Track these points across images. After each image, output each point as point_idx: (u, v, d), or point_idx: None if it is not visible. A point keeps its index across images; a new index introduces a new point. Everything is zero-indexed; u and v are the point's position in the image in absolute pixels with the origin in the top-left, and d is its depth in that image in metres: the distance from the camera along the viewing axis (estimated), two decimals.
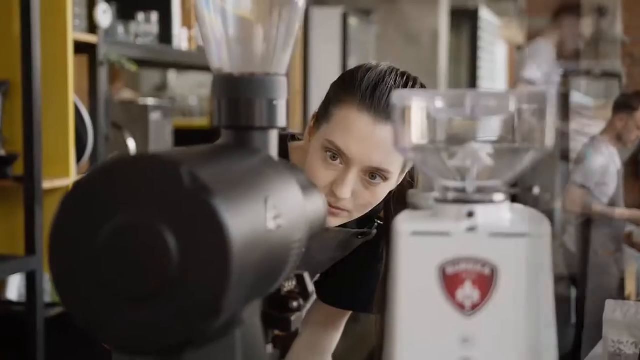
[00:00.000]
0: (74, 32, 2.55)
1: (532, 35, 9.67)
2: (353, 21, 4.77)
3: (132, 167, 0.62)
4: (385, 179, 1.23)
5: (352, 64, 6.08)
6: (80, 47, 2.62)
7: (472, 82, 7.50)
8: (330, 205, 1.23)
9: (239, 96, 0.80)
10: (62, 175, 2.50)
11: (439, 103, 0.70)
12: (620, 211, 4.39)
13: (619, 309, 1.83)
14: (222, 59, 0.81)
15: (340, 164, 1.23)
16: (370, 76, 1.24)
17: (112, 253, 0.61)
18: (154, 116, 3.03)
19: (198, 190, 0.60)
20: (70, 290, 0.62)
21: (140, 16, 3.03)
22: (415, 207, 0.78)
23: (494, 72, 8.36)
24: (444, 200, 0.70)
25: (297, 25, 0.82)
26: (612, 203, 4.37)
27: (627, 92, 4.57)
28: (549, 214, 4.30)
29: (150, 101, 3.16)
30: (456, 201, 0.69)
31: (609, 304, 1.88)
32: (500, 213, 0.69)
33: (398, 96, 0.71)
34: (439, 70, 5.62)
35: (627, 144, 4.41)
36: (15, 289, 2.62)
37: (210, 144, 0.79)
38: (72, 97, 2.50)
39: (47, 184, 2.41)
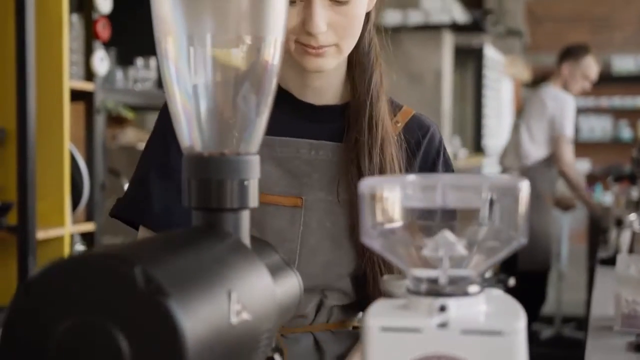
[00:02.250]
0: (71, 80, 2.54)
1: (537, 72, 9.70)
2: None
3: (85, 266, 0.59)
4: None
5: None
6: (77, 95, 2.62)
7: (477, 119, 7.48)
8: (312, 47, 1.15)
9: (210, 177, 0.77)
10: (57, 224, 2.48)
11: (409, 191, 0.68)
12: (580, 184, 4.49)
13: (634, 264, 1.67)
14: (192, 138, 0.79)
15: (301, 1, 1.13)
16: None
17: (64, 356, 0.58)
18: None
19: (152, 291, 0.57)
20: None
21: (139, 61, 3.03)
22: (388, 295, 0.75)
23: (499, 108, 8.35)
24: (416, 292, 0.67)
25: (269, 103, 0.80)
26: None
27: (572, 43, 4.76)
28: None
29: None
30: (428, 293, 0.67)
31: (622, 258, 1.72)
32: (474, 307, 0.66)
33: (366, 184, 0.68)
34: (443, 109, 5.61)
35: (572, 93, 4.52)
36: None
37: (178, 230, 0.76)
38: (67, 146, 2.49)
39: (41, 234, 2.39)
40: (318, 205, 1.21)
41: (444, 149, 1.30)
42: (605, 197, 8.84)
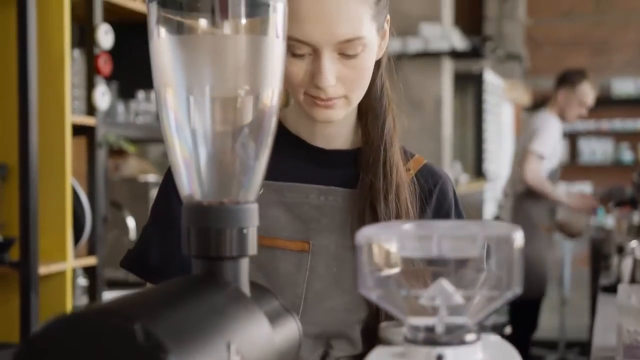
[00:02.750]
0: (73, 115, 2.56)
1: (537, 96, 9.74)
2: None
3: (85, 322, 0.60)
4: (362, 47, 1.13)
5: None
6: (79, 129, 2.63)
7: (478, 144, 7.50)
8: (321, 99, 1.14)
9: (209, 225, 0.78)
10: (59, 259, 2.49)
11: (405, 241, 0.69)
12: (557, 194, 4.42)
13: (635, 294, 1.66)
14: (192, 187, 0.80)
15: (309, 54, 1.12)
16: None
17: None
18: (155, 193, 3.03)
19: (152, 348, 0.58)
20: None
21: (141, 95, 3.05)
22: (386, 342, 0.76)
23: (500, 133, 8.37)
24: (413, 341, 0.68)
25: (267, 152, 0.81)
26: (551, 179, 4.43)
27: (569, 68, 4.70)
28: None
29: (152, 178, 3.16)
30: (426, 342, 0.67)
31: (623, 288, 1.71)
32: (471, 355, 0.67)
33: (363, 234, 0.69)
34: (444, 135, 5.63)
35: (569, 120, 4.50)
36: None
37: (178, 279, 0.77)
38: (69, 181, 2.50)
39: (43, 269, 2.40)
40: (326, 250, 1.20)
41: (457, 200, 1.29)
42: (608, 220, 8.84)
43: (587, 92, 4.45)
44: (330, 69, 1.11)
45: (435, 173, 1.29)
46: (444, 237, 0.68)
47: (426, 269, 0.70)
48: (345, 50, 1.12)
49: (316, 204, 1.22)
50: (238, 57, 0.78)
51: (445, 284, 0.69)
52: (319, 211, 1.22)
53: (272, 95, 0.81)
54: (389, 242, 0.69)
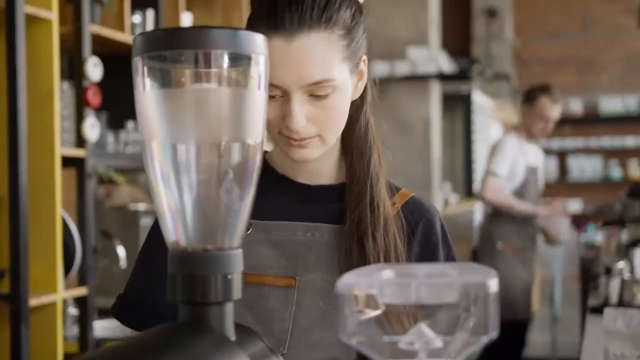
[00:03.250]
0: (62, 147, 2.57)
1: None
2: None
3: None
4: (333, 88, 1.14)
5: None
6: (69, 161, 2.65)
7: (468, 164, 7.55)
8: (294, 139, 1.15)
9: (194, 272, 0.80)
10: (50, 291, 2.49)
11: (385, 288, 0.71)
12: (523, 206, 4.35)
13: (621, 318, 1.67)
14: (177, 234, 0.82)
15: (280, 96, 1.14)
16: (273, 1, 1.14)
17: None
18: (145, 221, 3.04)
19: None
20: None
21: (130, 124, 3.07)
22: None
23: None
24: None
25: (250, 200, 0.84)
26: (520, 196, 4.38)
27: (532, 85, 4.62)
28: None
29: (142, 206, 3.17)
30: None
31: (609, 312, 1.72)
32: None
33: (343, 282, 0.71)
34: (433, 157, 5.66)
35: (535, 136, 4.45)
36: None
37: (162, 326, 0.79)
38: (59, 212, 2.52)
39: (34, 301, 2.40)
40: (313, 286, 1.21)
41: (445, 233, 1.30)
42: (597, 236, 8.88)
43: (546, 106, 4.34)
44: (300, 111, 1.13)
45: (421, 206, 1.30)
46: (422, 284, 0.70)
47: (406, 314, 0.72)
48: (315, 92, 1.14)
49: (303, 240, 1.24)
50: (222, 109, 0.80)
51: (424, 328, 0.71)
52: (306, 247, 1.23)
53: (255, 143, 0.83)
54: (369, 289, 0.71)
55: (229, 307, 0.81)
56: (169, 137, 0.81)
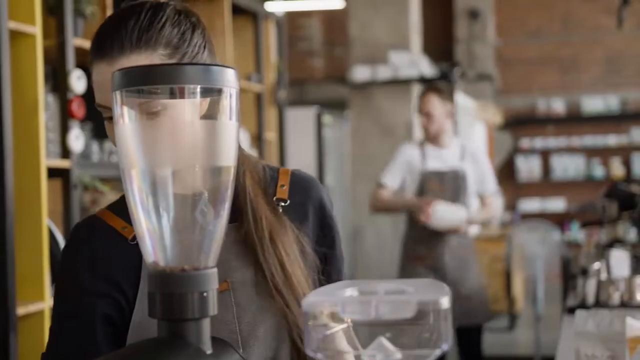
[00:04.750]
0: (48, 158, 2.62)
1: (509, 114, 9.89)
2: (327, 119, 4.89)
3: None
4: (162, 106, 1.13)
5: (327, 158, 6.22)
6: (54, 172, 2.70)
7: None
8: None
9: (172, 291, 0.86)
10: (37, 299, 2.54)
11: (347, 307, 0.77)
12: (396, 198, 4.20)
13: (591, 319, 1.71)
14: (156, 255, 0.88)
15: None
16: (102, 23, 1.23)
17: None
18: None
19: None
20: None
21: None
22: None
23: None
24: None
25: (224, 221, 0.89)
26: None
27: None
28: None
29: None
30: None
31: (580, 314, 1.77)
32: None
33: (308, 302, 0.77)
34: None
35: (429, 138, 4.20)
36: None
37: (142, 342, 0.85)
38: (45, 222, 2.56)
39: (21, 310, 2.45)
40: (244, 282, 1.26)
41: (331, 207, 1.36)
42: (580, 235, 8.98)
43: (422, 100, 4.15)
44: None
45: (306, 183, 1.36)
46: (381, 301, 0.77)
47: (366, 328, 0.78)
48: (147, 111, 1.14)
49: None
50: (196, 138, 0.86)
51: (384, 341, 0.78)
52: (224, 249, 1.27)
53: (227, 167, 0.89)
54: (333, 307, 0.77)
55: (206, 323, 0.87)
56: (147, 165, 0.87)
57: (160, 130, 0.87)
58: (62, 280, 1.30)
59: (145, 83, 0.85)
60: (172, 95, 0.86)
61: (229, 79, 0.87)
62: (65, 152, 2.73)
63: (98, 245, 1.28)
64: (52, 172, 2.68)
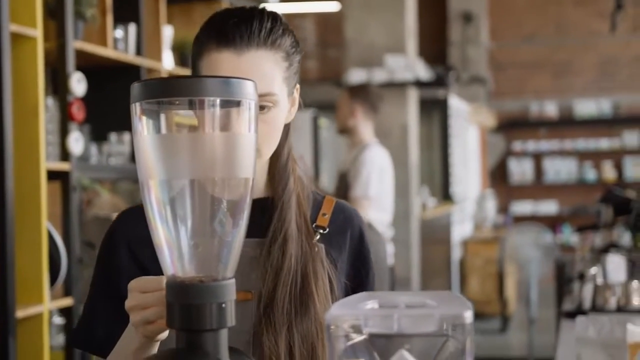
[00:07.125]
0: (47, 161, 2.62)
1: (502, 117, 9.91)
2: (323, 122, 4.89)
3: None
4: (274, 103, 1.21)
5: (323, 162, 6.22)
6: (54, 174, 2.69)
7: (445, 168, 7.63)
8: None
9: (190, 302, 0.86)
10: (36, 302, 2.54)
11: (369, 320, 0.77)
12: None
13: (592, 326, 1.72)
14: (174, 266, 0.88)
15: None
16: (217, 15, 1.23)
17: None
18: None
19: None
20: None
21: (113, 137, 3.12)
22: None
23: (466, 156, 8.52)
24: None
25: (243, 232, 0.90)
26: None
27: None
28: None
29: None
30: None
31: (581, 320, 1.77)
32: None
33: (331, 315, 0.77)
34: (411, 162, 5.74)
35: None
36: None
37: (161, 353, 0.85)
38: (45, 225, 2.56)
39: (20, 313, 2.45)
40: (260, 295, 1.24)
41: (365, 238, 1.36)
42: (572, 237, 8.99)
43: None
44: None
45: (344, 209, 1.36)
46: (403, 315, 0.77)
47: (389, 342, 0.79)
48: (259, 103, 1.17)
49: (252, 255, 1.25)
50: (215, 150, 0.87)
51: (405, 354, 0.78)
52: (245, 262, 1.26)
53: (245, 179, 0.90)
54: (355, 320, 0.78)
55: (224, 333, 0.88)
56: (165, 177, 0.87)
57: (178, 142, 0.87)
58: (101, 262, 1.31)
59: (165, 95, 0.86)
60: (192, 107, 0.86)
61: (248, 91, 0.88)
62: (65, 155, 2.73)
63: (138, 232, 1.26)
64: (52, 175, 2.67)
